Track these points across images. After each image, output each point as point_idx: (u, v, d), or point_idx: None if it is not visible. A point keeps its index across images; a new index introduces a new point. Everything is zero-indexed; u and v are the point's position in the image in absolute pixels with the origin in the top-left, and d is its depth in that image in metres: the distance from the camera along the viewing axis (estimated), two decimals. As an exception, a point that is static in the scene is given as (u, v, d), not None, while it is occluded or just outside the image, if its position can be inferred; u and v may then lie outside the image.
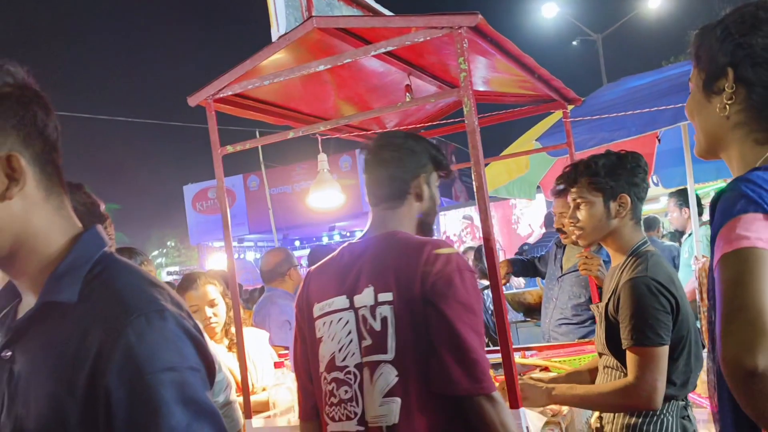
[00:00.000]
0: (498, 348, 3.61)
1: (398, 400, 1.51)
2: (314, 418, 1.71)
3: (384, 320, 1.54)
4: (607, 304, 2.05)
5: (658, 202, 8.63)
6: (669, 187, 5.78)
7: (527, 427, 1.91)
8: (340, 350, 1.61)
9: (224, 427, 0.96)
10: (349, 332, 1.60)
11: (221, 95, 2.31)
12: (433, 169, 1.79)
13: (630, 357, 1.91)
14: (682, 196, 5.01)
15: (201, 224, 16.54)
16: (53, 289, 0.96)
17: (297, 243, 15.64)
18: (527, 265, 4.08)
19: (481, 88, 3.10)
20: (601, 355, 2.13)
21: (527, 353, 3.23)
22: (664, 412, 1.99)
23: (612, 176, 2.07)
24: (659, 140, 4.81)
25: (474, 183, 2.03)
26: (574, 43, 19.00)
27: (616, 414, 2.06)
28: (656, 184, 5.84)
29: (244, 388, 2.33)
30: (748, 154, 1.17)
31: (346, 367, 1.59)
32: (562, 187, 2.23)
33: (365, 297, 1.59)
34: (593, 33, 18.01)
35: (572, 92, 3.07)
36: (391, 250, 1.62)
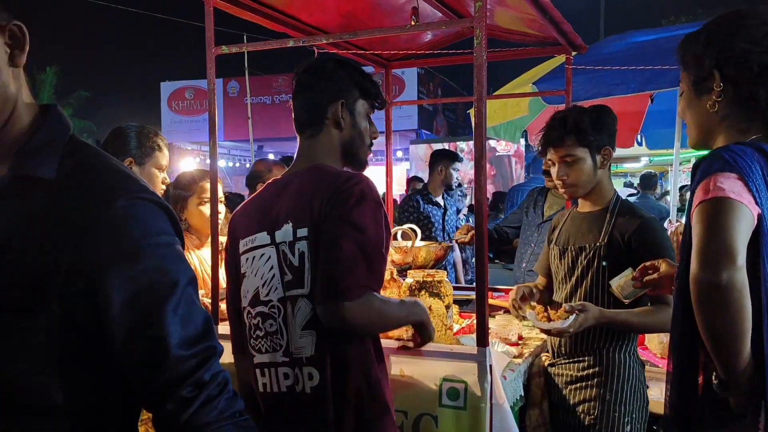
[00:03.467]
0: (468, 286, 3.70)
1: (314, 332, 1.55)
2: (243, 351, 1.74)
3: (302, 255, 1.56)
4: (609, 237, 2.15)
5: (639, 161, 8.69)
6: (653, 148, 5.81)
7: (491, 366, 1.95)
8: (263, 285, 1.62)
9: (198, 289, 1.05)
10: (272, 267, 1.61)
11: (222, -10, 2.18)
12: (358, 97, 1.73)
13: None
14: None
15: (175, 124, 16.20)
16: (28, 163, 0.97)
17: (271, 156, 15.47)
18: (501, 235, 3.99)
19: (487, 21, 2.99)
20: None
21: (494, 294, 3.29)
22: (624, 352, 2.15)
23: (597, 131, 2.18)
24: (652, 100, 4.78)
25: (473, 120, 1.99)
26: (578, -13, 18.54)
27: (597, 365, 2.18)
28: (640, 144, 5.85)
29: (214, 293, 2.31)
30: (733, 141, 1.34)
31: (270, 301, 1.61)
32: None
33: (284, 233, 1.59)
34: (598, -20, 17.55)
35: (579, 38, 2.99)
36: (309, 185, 1.61)
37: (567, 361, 2.23)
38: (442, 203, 4.70)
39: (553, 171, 2.27)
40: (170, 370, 0.95)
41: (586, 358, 2.18)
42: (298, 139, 1.76)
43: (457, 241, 3.54)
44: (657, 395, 2.52)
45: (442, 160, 4.64)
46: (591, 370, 2.17)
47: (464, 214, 5.34)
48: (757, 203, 1.22)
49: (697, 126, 1.44)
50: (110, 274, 0.93)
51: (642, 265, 1.88)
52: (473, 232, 3.43)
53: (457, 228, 5.02)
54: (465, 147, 10.32)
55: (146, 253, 0.95)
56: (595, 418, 2.12)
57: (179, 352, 0.95)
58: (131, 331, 0.94)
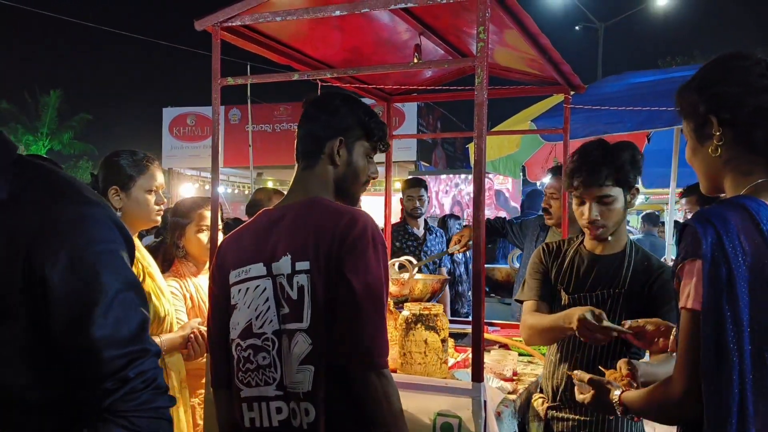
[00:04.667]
0: (463, 320, 3.69)
1: (312, 368, 1.54)
2: (227, 385, 1.70)
3: (301, 289, 1.55)
4: (629, 285, 2.08)
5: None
6: (649, 187, 5.86)
7: (485, 401, 1.95)
8: (257, 317, 1.61)
9: (146, 299, 1.14)
10: (267, 299, 1.60)
11: (230, 24, 2.23)
12: (360, 137, 1.73)
13: None
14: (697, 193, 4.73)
15: (176, 149, 16.25)
16: None
17: (270, 183, 15.51)
18: (495, 225, 4.08)
19: (489, 60, 3.05)
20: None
21: (490, 329, 3.29)
22: None
23: (635, 169, 2.09)
24: (649, 140, 4.85)
25: (473, 156, 2.01)
26: (577, 28, 18.88)
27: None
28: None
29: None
30: (738, 184, 1.35)
31: (264, 333, 1.59)
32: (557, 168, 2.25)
33: (283, 265, 1.58)
34: (597, 21, 17.89)
35: (578, 78, 3.05)
36: (309, 218, 1.60)
37: (569, 410, 2.18)
38: (420, 234, 4.65)
39: (582, 210, 2.12)
40: (97, 368, 1.04)
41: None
42: (295, 168, 1.77)
43: (450, 253, 3.59)
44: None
45: (403, 190, 4.69)
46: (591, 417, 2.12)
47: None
48: (724, 260, 1.22)
49: (704, 174, 1.43)
50: (53, 276, 1.01)
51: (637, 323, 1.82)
52: (466, 239, 3.46)
53: (453, 261, 5.04)
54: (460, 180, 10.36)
55: (86, 260, 1.03)
56: None
57: (108, 352, 1.03)
58: (66, 330, 1.03)
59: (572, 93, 3.24)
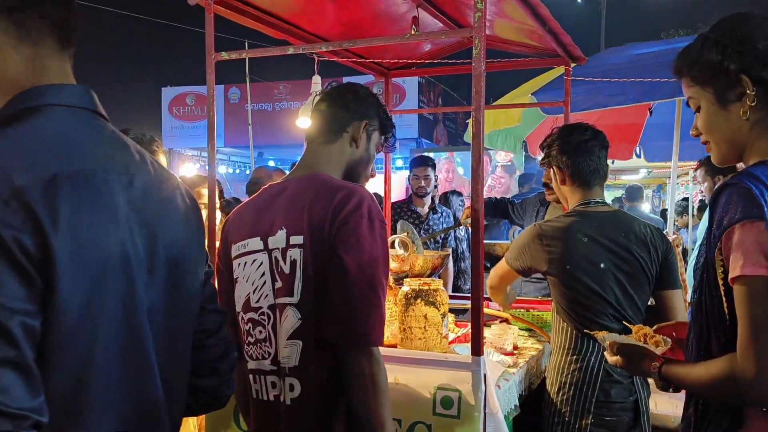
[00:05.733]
0: (465, 295, 3.69)
1: (300, 342, 1.53)
2: (239, 358, 1.69)
3: (293, 263, 1.54)
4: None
5: (637, 173, 8.73)
6: (651, 161, 5.82)
7: (485, 375, 1.95)
8: (254, 291, 1.62)
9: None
10: (263, 274, 1.60)
11: (223, -3, 2.19)
12: (377, 127, 1.79)
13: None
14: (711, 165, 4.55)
15: (175, 129, 16.19)
16: None
17: (271, 162, 15.47)
18: (497, 204, 4.08)
19: (487, 32, 3.01)
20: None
21: (490, 303, 3.28)
22: (590, 352, 2.16)
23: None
24: (651, 112, 4.80)
25: (471, 129, 1.99)
26: (579, 0, 18.66)
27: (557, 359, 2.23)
28: (639, 156, 5.87)
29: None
30: (766, 146, 1.25)
31: (261, 308, 1.61)
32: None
33: (278, 239, 1.58)
34: (599, -7, 17.68)
35: (578, 50, 3.01)
36: (307, 192, 1.59)
37: None
38: (423, 213, 4.56)
39: None
40: None
41: None
42: (305, 147, 1.77)
43: (464, 225, 3.57)
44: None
45: (411, 169, 4.58)
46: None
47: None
48: None
49: (726, 141, 1.32)
50: None
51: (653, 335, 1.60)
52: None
53: (456, 237, 5.01)
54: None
55: None
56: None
57: None
58: None
59: (573, 65, 3.20)
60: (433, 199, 4.67)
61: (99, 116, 1.08)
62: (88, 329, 0.94)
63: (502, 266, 2.39)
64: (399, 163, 14.67)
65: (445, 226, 4.62)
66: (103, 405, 0.98)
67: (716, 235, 1.20)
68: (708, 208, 1.28)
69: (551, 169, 2.36)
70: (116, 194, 0.99)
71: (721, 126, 1.31)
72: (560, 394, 2.21)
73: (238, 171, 17.77)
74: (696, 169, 3.81)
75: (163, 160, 2.43)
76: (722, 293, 1.21)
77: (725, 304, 1.22)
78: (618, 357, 1.56)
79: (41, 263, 0.87)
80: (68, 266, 0.89)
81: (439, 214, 4.64)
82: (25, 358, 0.85)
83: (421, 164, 4.56)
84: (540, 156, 2.49)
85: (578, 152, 2.25)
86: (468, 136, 5.08)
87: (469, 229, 4.85)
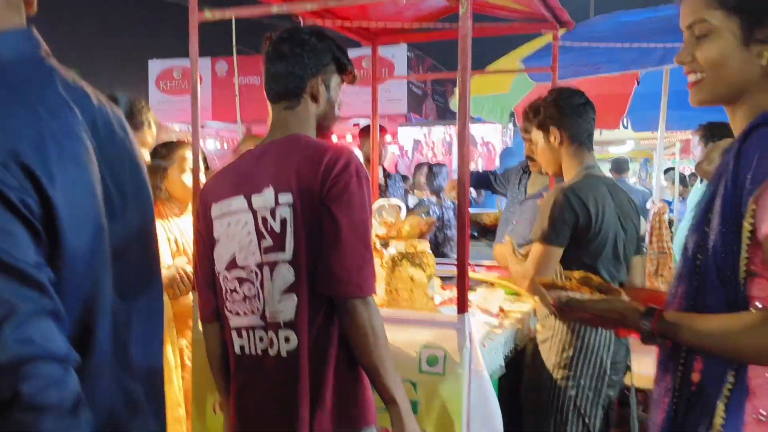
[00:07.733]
0: (451, 261, 3.71)
1: (295, 297, 1.57)
2: (215, 320, 1.75)
3: (284, 221, 1.58)
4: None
5: (625, 144, 8.73)
6: (638, 131, 5.82)
7: (470, 333, 1.97)
8: (240, 250, 1.64)
9: None
10: (249, 233, 1.63)
11: (205, -46, 2.15)
12: (334, 71, 1.74)
13: None
14: (709, 130, 3.78)
15: (163, 103, 16.00)
16: None
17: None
18: (479, 176, 4.13)
19: (475, -5, 2.98)
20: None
21: (477, 268, 3.31)
22: None
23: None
24: (638, 82, 4.79)
25: (457, 91, 1.99)
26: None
27: (558, 326, 2.21)
28: (626, 127, 5.87)
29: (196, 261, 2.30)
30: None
31: (248, 266, 1.63)
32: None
33: (265, 197, 1.60)
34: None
35: (566, 14, 2.99)
36: (293, 152, 1.63)
37: None
38: (381, 182, 4.65)
39: None
40: None
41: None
42: (270, 108, 1.75)
43: (449, 198, 3.57)
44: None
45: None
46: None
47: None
48: None
49: (728, 80, 1.19)
50: None
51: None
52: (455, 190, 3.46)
53: (443, 206, 5.10)
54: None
55: None
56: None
57: None
58: None
59: (562, 31, 3.18)
60: (382, 166, 4.81)
61: (46, 56, 1.05)
62: (92, 276, 0.98)
63: (539, 252, 2.15)
64: (388, 138, 14.62)
65: (400, 192, 4.85)
66: (105, 348, 1.01)
67: (756, 180, 1.07)
68: (733, 152, 1.14)
69: (542, 133, 2.30)
70: (86, 139, 1.01)
71: (732, 62, 1.18)
72: (575, 360, 2.18)
73: (226, 146, 17.63)
74: (696, 133, 3.74)
75: (153, 132, 2.41)
76: (745, 247, 1.10)
77: (745, 260, 1.11)
78: (587, 313, 1.37)
79: (44, 220, 0.91)
80: (67, 219, 0.93)
81: (393, 180, 4.86)
82: (59, 306, 0.90)
83: (366, 134, 4.62)
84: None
85: (578, 114, 2.25)
86: (455, 104, 5.06)
87: (449, 200, 4.98)
